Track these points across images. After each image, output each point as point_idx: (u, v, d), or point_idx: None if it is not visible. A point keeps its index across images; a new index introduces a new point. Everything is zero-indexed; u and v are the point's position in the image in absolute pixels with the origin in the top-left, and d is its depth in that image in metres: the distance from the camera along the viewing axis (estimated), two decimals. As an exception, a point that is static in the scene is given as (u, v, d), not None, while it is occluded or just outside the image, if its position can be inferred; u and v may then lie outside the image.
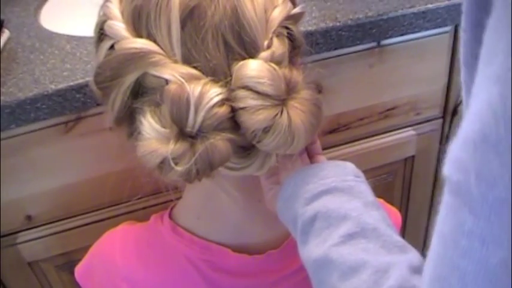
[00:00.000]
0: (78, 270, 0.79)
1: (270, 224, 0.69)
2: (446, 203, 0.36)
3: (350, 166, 0.61)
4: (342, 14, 0.94)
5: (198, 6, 0.53)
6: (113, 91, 0.56)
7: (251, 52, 0.55)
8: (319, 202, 0.57)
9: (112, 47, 0.56)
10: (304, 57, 0.63)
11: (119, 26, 0.56)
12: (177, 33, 0.53)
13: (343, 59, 1.00)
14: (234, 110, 0.53)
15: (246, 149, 0.57)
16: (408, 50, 1.03)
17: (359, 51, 1.00)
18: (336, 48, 0.95)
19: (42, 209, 0.97)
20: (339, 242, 0.53)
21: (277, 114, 0.53)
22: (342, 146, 1.11)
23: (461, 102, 1.13)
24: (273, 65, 0.54)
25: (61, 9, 1.18)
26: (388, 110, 1.10)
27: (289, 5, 0.59)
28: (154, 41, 0.54)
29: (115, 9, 0.57)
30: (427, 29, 0.99)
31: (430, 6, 0.96)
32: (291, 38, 0.58)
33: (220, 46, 0.54)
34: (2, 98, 0.82)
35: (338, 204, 0.56)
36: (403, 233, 1.32)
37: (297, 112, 0.54)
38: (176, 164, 0.51)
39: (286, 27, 0.58)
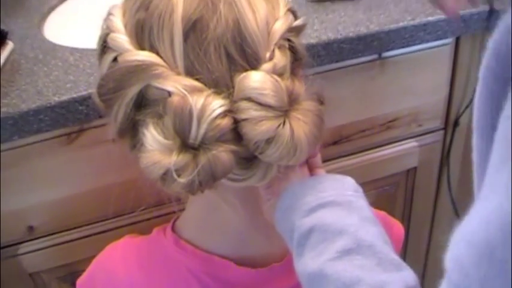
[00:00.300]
0: (80, 282, 0.79)
1: (273, 237, 0.69)
2: None
3: (349, 180, 0.61)
4: (343, 27, 0.95)
5: (201, 19, 0.54)
6: (116, 103, 0.56)
7: (253, 64, 0.55)
8: (317, 215, 0.56)
9: (115, 59, 0.56)
10: (306, 69, 0.63)
11: (122, 38, 0.56)
12: (179, 45, 0.54)
13: (345, 71, 1.00)
14: (236, 122, 0.53)
15: (248, 160, 0.57)
16: (409, 62, 1.04)
17: (360, 63, 1.00)
18: (337, 61, 0.95)
19: (44, 220, 0.97)
20: (334, 257, 0.53)
21: (279, 125, 0.53)
22: (344, 158, 1.11)
23: (462, 113, 1.13)
24: (275, 76, 0.54)
25: (64, 21, 1.19)
26: (389, 121, 1.10)
27: (291, 17, 0.60)
28: (157, 54, 0.54)
29: (118, 22, 0.58)
30: (428, 41, 0.99)
31: (430, 18, 0.96)
32: (292, 50, 0.59)
33: (223, 58, 0.54)
34: (5, 109, 0.82)
35: (335, 219, 0.55)
36: (405, 245, 1.31)
37: (300, 123, 0.54)
38: (179, 175, 0.51)
39: (288, 39, 0.58)
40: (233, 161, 0.54)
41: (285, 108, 0.54)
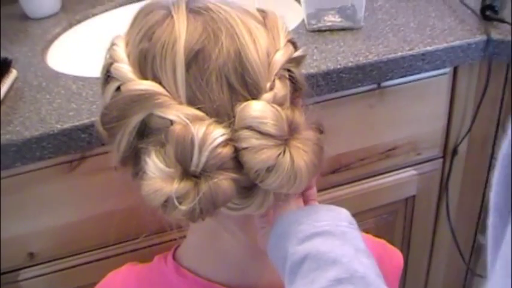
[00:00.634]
0: (80, 309, 0.79)
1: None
2: None
3: (344, 212, 0.61)
4: (342, 57, 0.96)
5: (203, 49, 0.55)
6: (118, 132, 0.56)
7: (254, 94, 0.56)
8: (311, 243, 0.56)
9: (118, 88, 0.57)
10: (306, 99, 0.64)
11: (125, 68, 0.57)
12: (181, 75, 0.54)
13: (344, 100, 1.01)
14: (237, 150, 0.54)
15: (248, 189, 0.57)
16: (408, 91, 1.05)
17: (360, 92, 1.01)
18: (337, 90, 0.96)
19: (45, 246, 0.97)
20: (326, 286, 0.52)
21: (280, 154, 0.54)
22: (343, 186, 1.12)
23: (461, 142, 1.14)
24: (275, 106, 0.55)
25: (67, 49, 1.20)
26: (388, 150, 1.11)
27: (291, 48, 0.61)
28: (160, 83, 0.55)
29: (121, 52, 0.59)
30: (426, 70, 1.00)
31: (429, 48, 0.97)
32: (292, 80, 0.60)
33: (224, 88, 0.55)
34: (8, 136, 0.83)
35: (329, 248, 0.55)
36: (405, 272, 1.31)
37: (300, 152, 0.55)
38: (180, 203, 0.52)
39: (288, 70, 0.59)
40: (234, 188, 0.54)
41: (285, 137, 0.55)
